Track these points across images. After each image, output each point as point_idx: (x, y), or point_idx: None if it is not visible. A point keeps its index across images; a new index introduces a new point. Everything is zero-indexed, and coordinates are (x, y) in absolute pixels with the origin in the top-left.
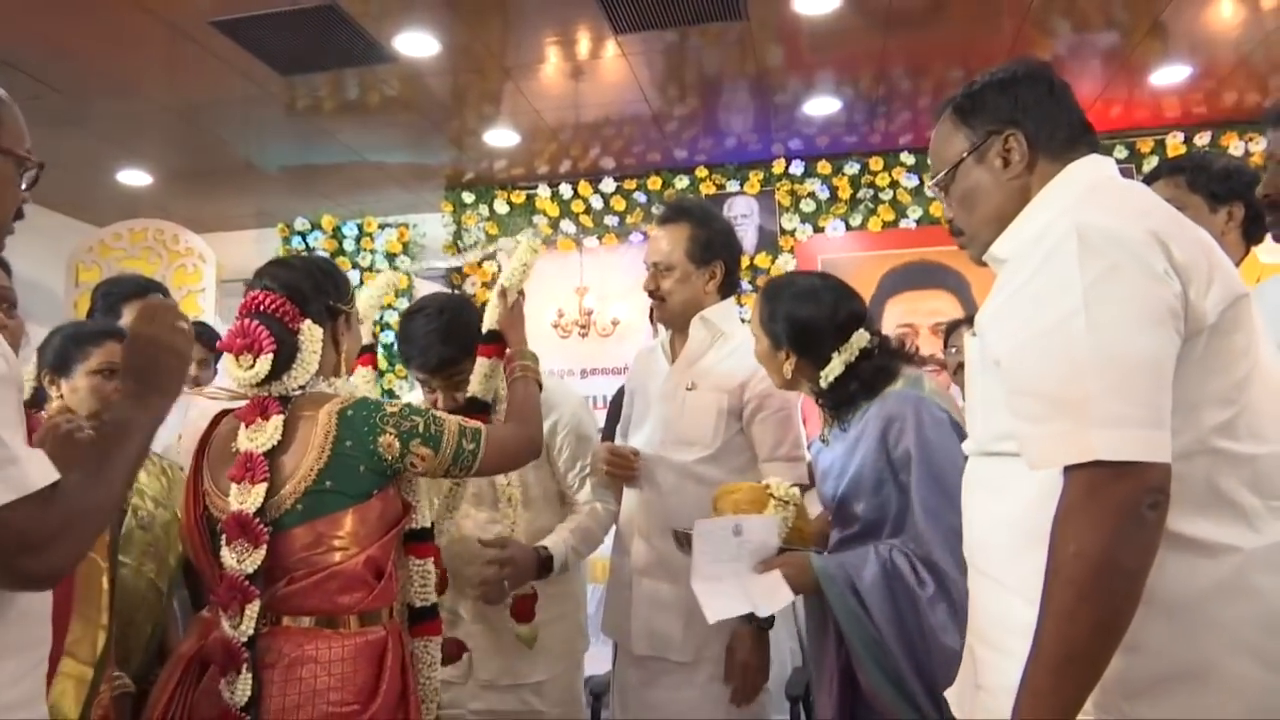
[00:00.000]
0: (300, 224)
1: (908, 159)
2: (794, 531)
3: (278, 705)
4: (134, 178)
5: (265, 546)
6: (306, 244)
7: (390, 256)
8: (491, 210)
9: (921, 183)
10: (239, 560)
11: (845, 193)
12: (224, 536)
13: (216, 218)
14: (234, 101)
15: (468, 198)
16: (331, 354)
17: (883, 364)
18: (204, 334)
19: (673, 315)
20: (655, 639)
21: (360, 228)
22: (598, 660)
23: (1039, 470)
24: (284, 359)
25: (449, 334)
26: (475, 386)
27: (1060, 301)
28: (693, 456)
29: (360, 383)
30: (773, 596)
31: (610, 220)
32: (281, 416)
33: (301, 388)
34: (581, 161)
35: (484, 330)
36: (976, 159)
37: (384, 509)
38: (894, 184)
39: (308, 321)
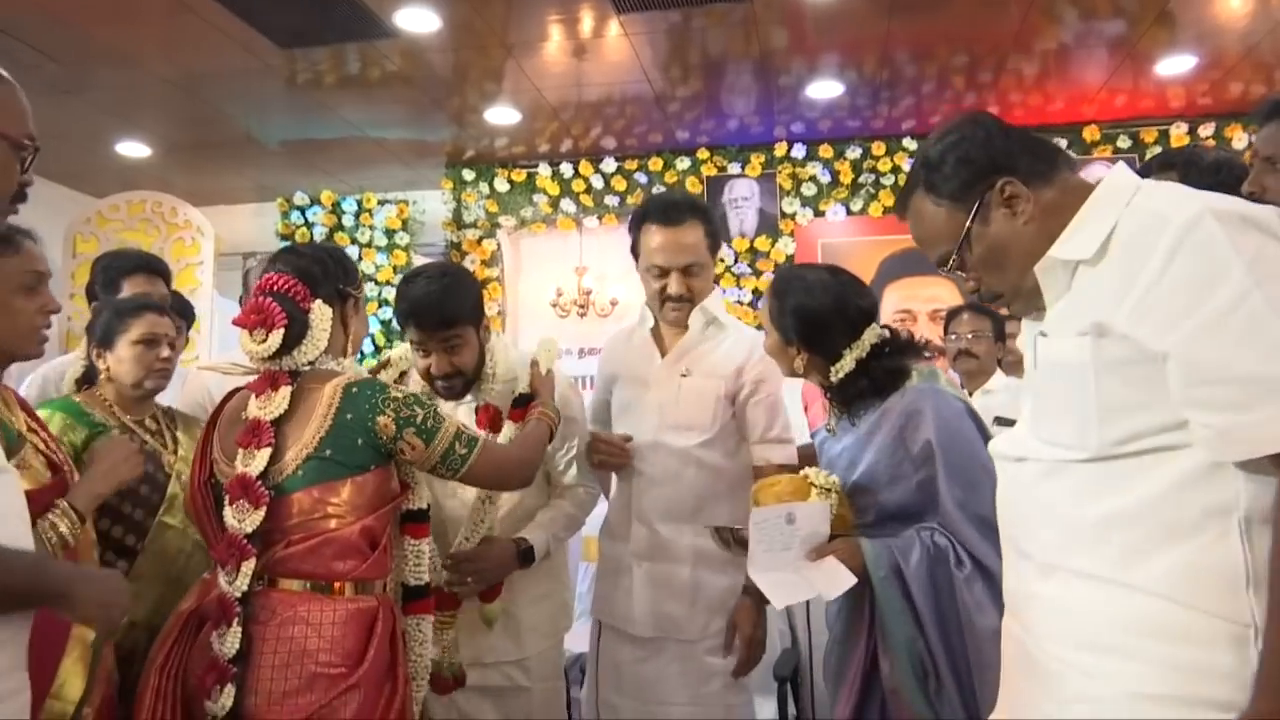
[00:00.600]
0: (299, 198)
1: (910, 144)
2: (837, 518)
3: (267, 662)
4: (133, 149)
5: (264, 508)
6: (306, 219)
7: (390, 233)
8: (492, 188)
9: None
10: (239, 520)
11: (846, 177)
12: (227, 497)
13: (215, 191)
14: (234, 74)
15: (468, 175)
16: (340, 334)
17: (895, 365)
18: (179, 306)
19: (691, 312)
20: (662, 621)
21: (360, 203)
22: (579, 638)
23: (1237, 460)
24: (294, 335)
25: (450, 294)
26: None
27: (1224, 284)
28: (692, 441)
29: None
30: (835, 580)
31: (611, 200)
32: (290, 388)
33: (310, 363)
34: (582, 141)
35: (515, 395)
36: (981, 223)
37: (380, 484)
38: (896, 169)
39: (318, 301)
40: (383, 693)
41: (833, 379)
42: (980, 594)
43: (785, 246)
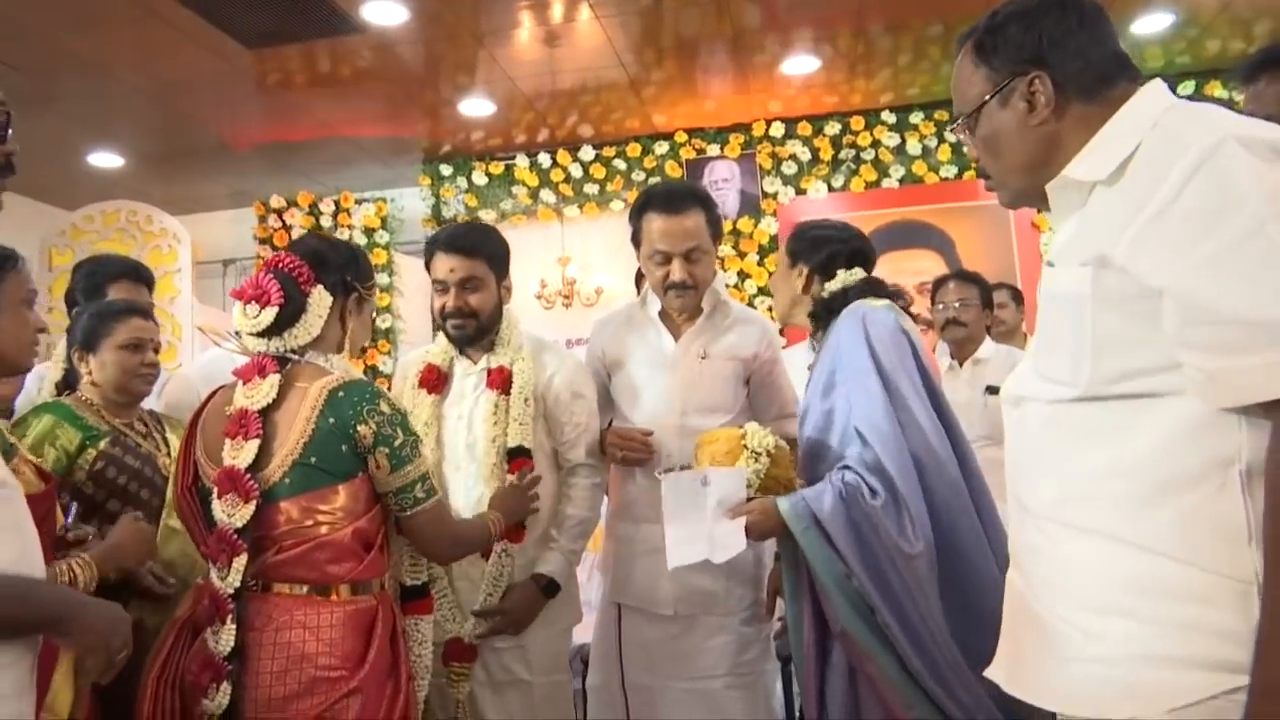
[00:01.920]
0: (276, 201)
1: (889, 118)
2: (773, 481)
3: (266, 668)
4: (105, 159)
5: (255, 502)
6: (284, 222)
7: (369, 231)
8: (470, 182)
9: (904, 141)
10: (228, 515)
11: (827, 154)
12: (215, 491)
13: (191, 199)
14: (204, 78)
15: (445, 170)
16: (337, 328)
17: (871, 291)
18: (145, 274)
19: (696, 301)
20: (697, 598)
21: (337, 204)
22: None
23: (1226, 406)
24: (288, 315)
25: (477, 232)
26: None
27: (1237, 215)
28: (717, 422)
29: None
30: (729, 542)
31: (590, 189)
32: (278, 376)
33: (300, 352)
34: (559, 130)
35: (510, 447)
36: (1000, 102)
37: (372, 487)
38: (876, 144)
39: (320, 287)
40: (385, 693)
41: (824, 294)
42: (896, 520)
43: (768, 227)
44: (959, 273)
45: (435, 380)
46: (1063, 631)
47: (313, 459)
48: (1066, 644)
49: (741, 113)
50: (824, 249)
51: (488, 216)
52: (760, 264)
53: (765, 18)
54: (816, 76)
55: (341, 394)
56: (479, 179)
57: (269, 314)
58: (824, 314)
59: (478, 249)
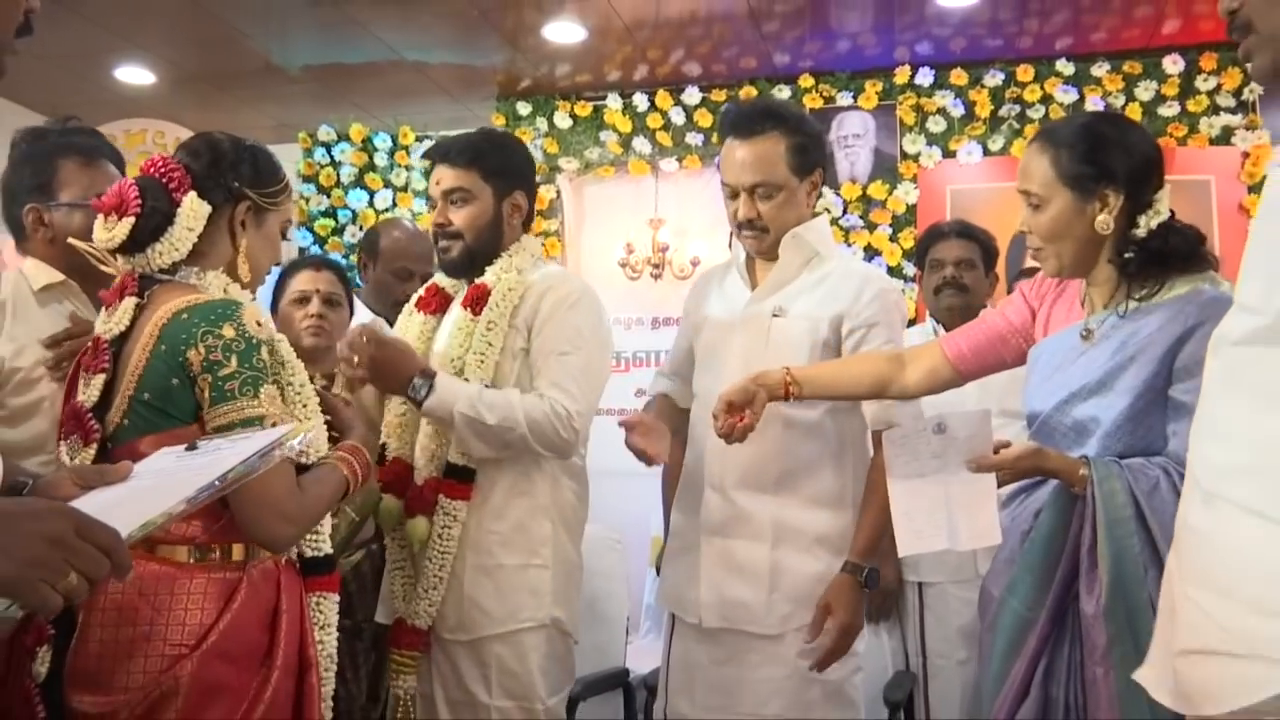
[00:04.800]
0: (325, 133)
1: (1065, 67)
2: None
3: (94, 636)
4: (135, 75)
5: (94, 445)
6: (331, 157)
7: (428, 174)
8: (551, 124)
9: (1082, 97)
10: (69, 459)
11: (984, 109)
12: (61, 430)
13: (230, 129)
14: None
15: (523, 109)
16: (225, 245)
17: (1195, 240)
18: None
19: (774, 246)
20: (729, 609)
21: (395, 140)
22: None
23: None
24: (149, 227)
25: (478, 137)
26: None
27: None
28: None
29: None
30: (978, 531)
31: (693, 139)
32: (134, 300)
33: (171, 271)
34: (661, 67)
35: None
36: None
37: None
38: (1047, 98)
39: (193, 194)
40: (245, 677)
41: (1142, 231)
42: None
43: (906, 194)
44: (957, 223)
45: (432, 301)
46: (1196, 622)
47: (146, 395)
48: (1195, 636)
49: (882, 54)
50: (1140, 159)
51: (570, 166)
52: (893, 239)
53: None
54: (978, 11)
55: (185, 316)
56: (562, 121)
57: (124, 226)
58: (1153, 265)
59: (467, 157)
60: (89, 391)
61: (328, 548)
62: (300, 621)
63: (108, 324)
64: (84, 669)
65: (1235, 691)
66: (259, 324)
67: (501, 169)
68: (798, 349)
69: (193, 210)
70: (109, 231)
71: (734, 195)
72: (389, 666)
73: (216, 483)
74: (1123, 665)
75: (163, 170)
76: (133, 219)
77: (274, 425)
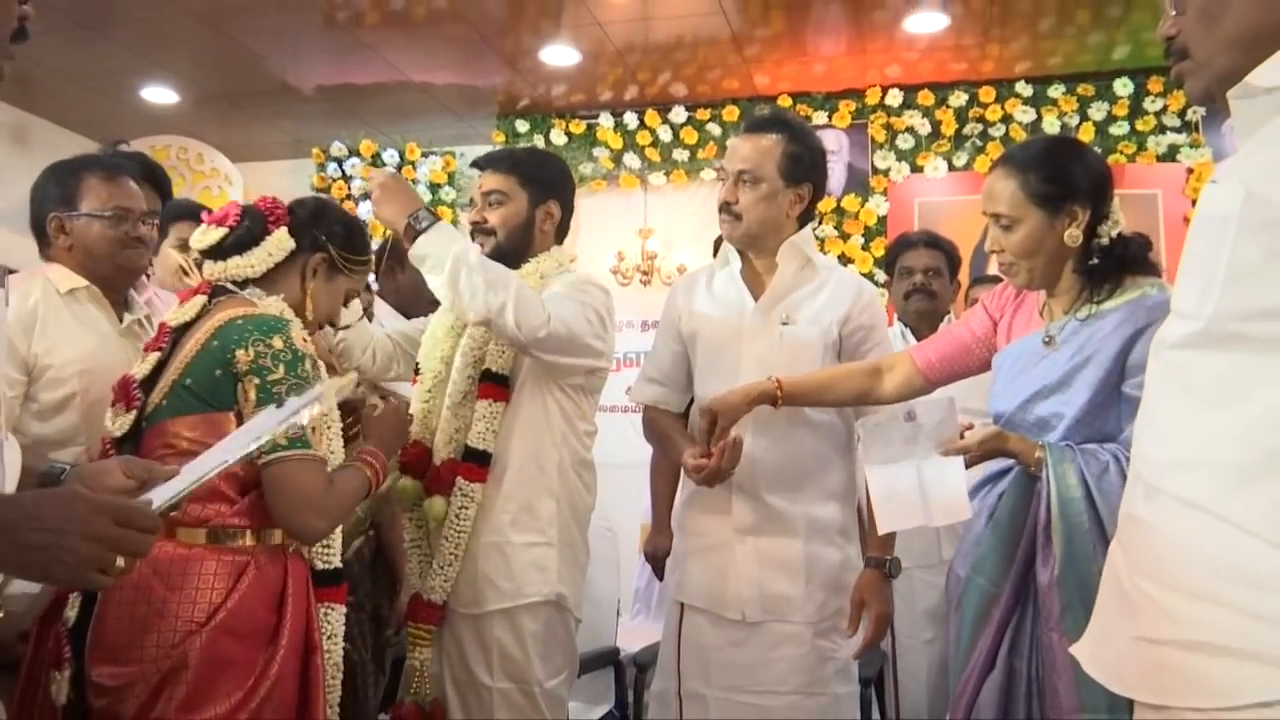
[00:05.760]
0: (337, 149)
1: (1024, 89)
2: None
3: (111, 614)
4: (160, 95)
5: (134, 413)
6: (343, 171)
7: (434, 188)
8: (548, 141)
9: (1039, 117)
10: (111, 423)
11: (950, 127)
12: (111, 398)
13: (248, 146)
14: (268, 9)
15: (521, 126)
16: (295, 285)
17: (1146, 247)
18: (154, 173)
19: (746, 236)
20: (773, 602)
21: (402, 155)
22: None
23: None
24: (235, 241)
25: (519, 150)
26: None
27: None
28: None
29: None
30: (950, 506)
31: (679, 155)
32: (203, 299)
33: (241, 285)
34: (650, 88)
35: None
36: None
37: None
38: (1007, 118)
39: (284, 230)
40: (254, 653)
41: (1104, 240)
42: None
43: (877, 206)
44: (925, 234)
45: None
46: (1146, 611)
47: (189, 380)
48: (1146, 625)
49: (855, 77)
50: (1097, 177)
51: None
52: (865, 248)
53: None
54: (943, 38)
55: (240, 322)
56: (557, 138)
57: (216, 233)
58: (1113, 270)
59: (508, 164)
60: (142, 366)
61: (338, 561)
62: (306, 605)
63: (177, 314)
64: (103, 643)
65: (1183, 688)
66: (305, 340)
67: (538, 177)
68: (809, 355)
69: (278, 241)
70: (204, 235)
71: (727, 181)
72: (406, 639)
73: (252, 444)
74: (1074, 631)
75: (270, 205)
76: (226, 230)
77: (312, 431)
